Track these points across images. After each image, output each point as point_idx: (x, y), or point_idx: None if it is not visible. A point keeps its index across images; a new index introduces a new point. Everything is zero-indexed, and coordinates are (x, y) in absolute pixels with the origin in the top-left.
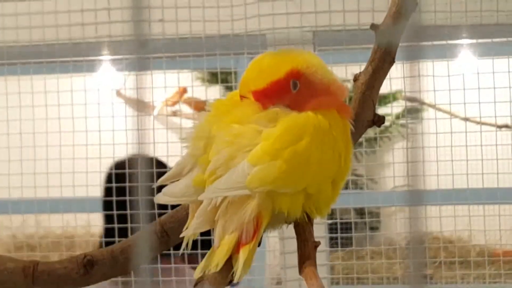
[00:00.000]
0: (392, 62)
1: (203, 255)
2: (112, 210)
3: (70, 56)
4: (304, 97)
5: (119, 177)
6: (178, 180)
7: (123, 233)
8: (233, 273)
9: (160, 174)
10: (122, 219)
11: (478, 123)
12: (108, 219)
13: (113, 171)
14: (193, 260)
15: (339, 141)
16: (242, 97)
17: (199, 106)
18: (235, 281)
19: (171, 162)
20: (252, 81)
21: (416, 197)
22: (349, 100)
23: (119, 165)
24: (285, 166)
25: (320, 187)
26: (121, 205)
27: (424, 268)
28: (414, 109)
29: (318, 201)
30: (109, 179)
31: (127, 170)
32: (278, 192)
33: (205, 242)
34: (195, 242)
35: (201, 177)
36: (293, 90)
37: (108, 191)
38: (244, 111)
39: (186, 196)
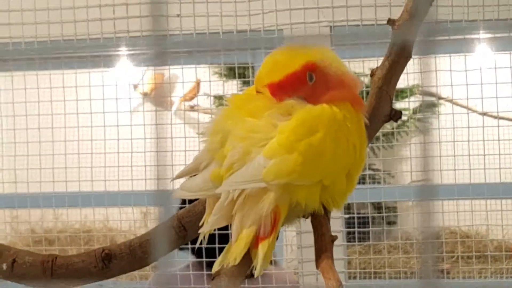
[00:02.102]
0: (408, 57)
1: (220, 250)
2: None
3: (88, 51)
4: (320, 90)
5: None
6: (195, 175)
7: None
8: (252, 267)
9: None
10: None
11: (495, 117)
12: None
13: None
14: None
15: (353, 133)
16: (257, 91)
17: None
18: (255, 275)
19: (189, 156)
20: (266, 75)
21: (429, 191)
22: (366, 94)
23: None
24: (301, 158)
25: (336, 178)
26: None
27: (438, 263)
28: (431, 104)
29: (334, 192)
30: None
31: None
32: (295, 184)
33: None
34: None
35: (219, 171)
36: (309, 82)
37: None
38: (259, 105)
39: (204, 191)
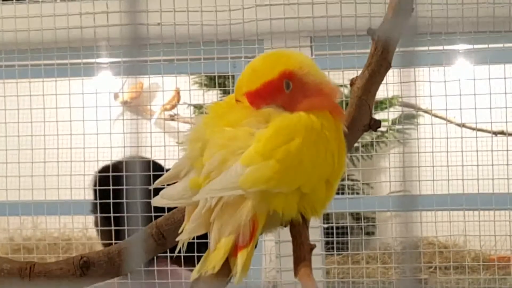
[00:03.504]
0: (388, 67)
1: (199, 258)
2: (102, 212)
3: (68, 59)
4: (297, 98)
5: (106, 180)
6: (175, 183)
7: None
8: (231, 276)
9: (156, 177)
10: (115, 221)
11: (474, 129)
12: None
13: (111, 173)
14: (189, 262)
15: (331, 141)
16: (237, 100)
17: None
18: (235, 283)
19: (168, 166)
20: (245, 83)
21: (408, 202)
22: (346, 104)
23: (107, 168)
24: (278, 165)
25: (314, 186)
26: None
27: (417, 273)
28: (410, 115)
29: (312, 200)
30: (100, 181)
31: (124, 173)
32: (272, 192)
33: (201, 244)
34: (191, 245)
35: (197, 179)
36: (286, 90)
37: (100, 193)
38: (238, 114)
39: (183, 199)
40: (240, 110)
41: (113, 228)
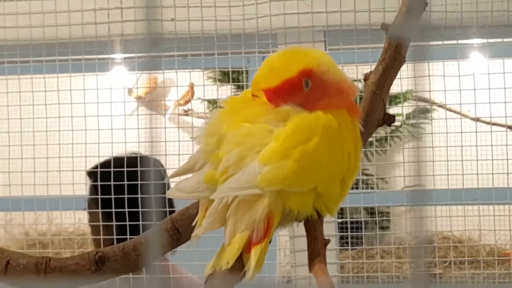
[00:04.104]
0: (402, 61)
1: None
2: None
3: (83, 54)
4: (316, 96)
5: (103, 175)
6: (190, 176)
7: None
8: (244, 271)
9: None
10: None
11: (488, 123)
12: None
13: (113, 168)
14: None
15: (348, 140)
16: (254, 96)
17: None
18: (247, 279)
19: (182, 160)
20: (263, 79)
21: (421, 196)
22: (360, 99)
23: (103, 164)
24: (295, 165)
25: (330, 186)
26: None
27: (429, 268)
28: (424, 109)
29: (327, 199)
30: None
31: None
32: (288, 191)
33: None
34: None
35: (212, 173)
36: (305, 89)
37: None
38: (255, 110)
39: (197, 192)
40: (257, 106)
41: (113, 225)
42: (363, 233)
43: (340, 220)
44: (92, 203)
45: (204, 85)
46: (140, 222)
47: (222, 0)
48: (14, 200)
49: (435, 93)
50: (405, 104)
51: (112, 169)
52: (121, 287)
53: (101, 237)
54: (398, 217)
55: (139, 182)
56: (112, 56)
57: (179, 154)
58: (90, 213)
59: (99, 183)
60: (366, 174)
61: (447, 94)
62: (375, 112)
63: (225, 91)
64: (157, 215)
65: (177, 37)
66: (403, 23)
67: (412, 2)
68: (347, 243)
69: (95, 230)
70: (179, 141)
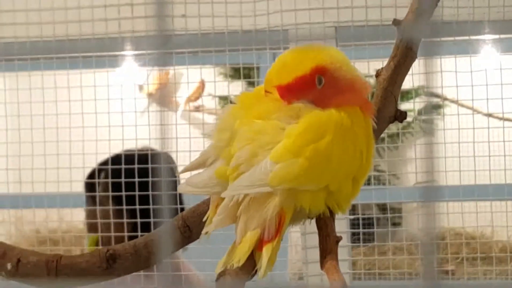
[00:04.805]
0: (414, 57)
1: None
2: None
3: (93, 51)
4: (329, 94)
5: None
6: (201, 171)
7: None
8: (256, 269)
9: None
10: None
11: (500, 119)
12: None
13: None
14: None
15: (361, 138)
16: (266, 92)
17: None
18: (259, 278)
19: (193, 157)
20: (276, 76)
21: (433, 193)
22: (371, 95)
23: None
24: (307, 163)
25: (341, 184)
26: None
27: (442, 264)
28: (436, 105)
29: (339, 197)
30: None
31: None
32: (300, 189)
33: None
34: None
35: (224, 169)
36: (318, 86)
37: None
38: (267, 107)
39: (208, 187)
40: (269, 102)
41: (109, 221)
42: (375, 229)
43: (352, 217)
44: (102, 198)
45: (215, 81)
46: (151, 220)
47: None
48: (25, 197)
49: (447, 89)
50: (417, 99)
51: (122, 166)
52: (132, 285)
53: (100, 235)
54: (410, 213)
55: (150, 179)
56: (122, 52)
57: (190, 151)
58: (86, 210)
59: (110, 179)
60: (378, 170)
61: (459, 90)
62: (386, 109)
63: (236, 87)
64: (168, 212)
65: (188, 33)
66: (414, 19)
67: None
68: (359, 239)
69: (92, 227)
70: (190, 137)
